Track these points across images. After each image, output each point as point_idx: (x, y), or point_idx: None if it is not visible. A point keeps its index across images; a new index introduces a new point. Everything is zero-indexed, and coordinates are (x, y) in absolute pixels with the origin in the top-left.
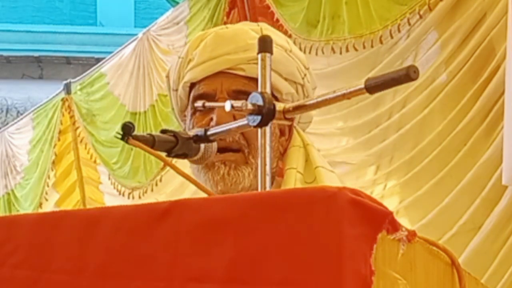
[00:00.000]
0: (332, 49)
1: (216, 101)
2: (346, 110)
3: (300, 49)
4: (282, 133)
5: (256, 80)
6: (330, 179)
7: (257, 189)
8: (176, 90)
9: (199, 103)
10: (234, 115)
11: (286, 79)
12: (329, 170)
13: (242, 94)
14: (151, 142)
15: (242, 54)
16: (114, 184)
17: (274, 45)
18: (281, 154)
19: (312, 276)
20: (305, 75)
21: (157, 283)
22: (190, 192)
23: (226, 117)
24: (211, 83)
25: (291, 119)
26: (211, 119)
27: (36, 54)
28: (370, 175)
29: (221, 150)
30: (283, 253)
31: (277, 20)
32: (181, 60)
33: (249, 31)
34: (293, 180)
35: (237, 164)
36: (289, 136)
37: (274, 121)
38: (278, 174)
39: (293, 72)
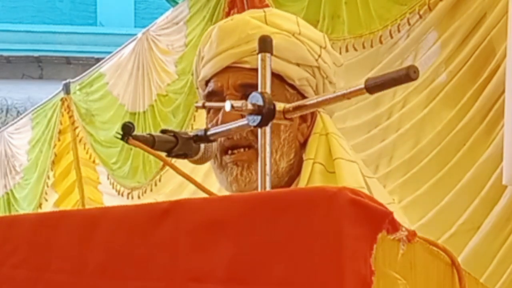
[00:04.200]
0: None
1: (224, 97)
2: (345, 110)
3: None
4: (304, 119)
5: None
6: (349, 170)
7: (274, 186)
8: (198, 88)
9: (199, 103)
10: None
11: (298, 65)
12: (349, 161)
13: (249, 87)
14: (151, 142)
15: (245, 46)
16: (113, 184)
17: (278, 31)
18: (301, 143)
19: (312, 276)
20: (319, 56)
21: (157, 283)
22: (189, 192)
23: (231, 116)
24: (219, 79)
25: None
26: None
27: (36, 54)
28: None
29: (231, 148)
30: (283, 253)
31: None
32: (197, 58)
33: (250, 21)
34: (309, 172)
35: (250, 163)
36: (312, 122)
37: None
38: (297, 166)
39: (304, 56)
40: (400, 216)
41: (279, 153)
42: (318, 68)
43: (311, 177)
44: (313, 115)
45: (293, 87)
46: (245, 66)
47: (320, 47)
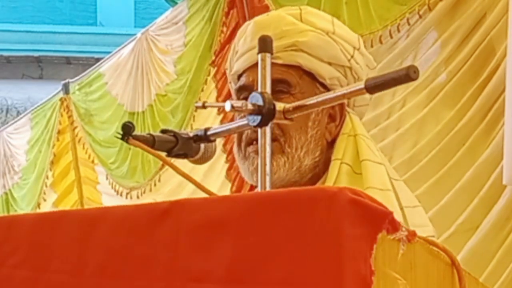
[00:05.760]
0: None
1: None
2: None
3: None
4: (332, 118)
5: (295, 67)
6: (376, 172)
7: (295, 182)
8: (230, 82)
9: (199, 103)
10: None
11: (330, 64)
12: (376, 163)
13: (280, 83)
14: (151, 142)
15: (278, 42)
16: (112, 184)
17: (312, 29)
18: (328, 142)
19: (312, 276)
20: (352, 56)
21: (157, 283)
22: (188, 192)
23: None
24: (251, 74)
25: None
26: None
27: (36, 54)
28: None
29: (256, 139)
30: (283, 253)
31: None
32: (231, 52)
33: (285, 17)
34: (336, 173)
35: (272, 154)
36: (341, 122)
37: (322, 106)
38: (323, 165)
39: (337, 55)
40: (425, 218)
41: (304, 150)
42: (350, 68)
43: (338, 177)
44: (342, 115)
45: (323, 85)
46: (277, 61)
47: (354, 48)
